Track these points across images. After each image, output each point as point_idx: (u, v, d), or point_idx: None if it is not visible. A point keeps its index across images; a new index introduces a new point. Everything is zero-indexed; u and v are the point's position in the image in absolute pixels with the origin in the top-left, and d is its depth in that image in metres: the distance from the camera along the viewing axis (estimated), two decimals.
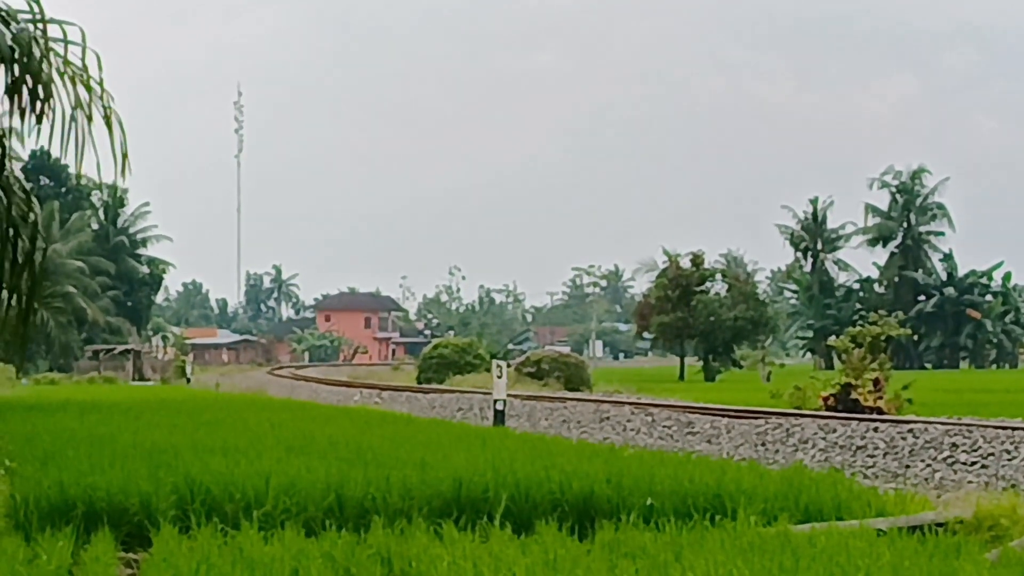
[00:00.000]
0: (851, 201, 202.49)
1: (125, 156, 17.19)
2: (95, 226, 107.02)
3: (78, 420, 24.32)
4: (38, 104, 16.91)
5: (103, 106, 17.18)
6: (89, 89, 17.18)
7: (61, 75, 17.19)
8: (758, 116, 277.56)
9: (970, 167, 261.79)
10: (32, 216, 17.91)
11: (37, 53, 16.88)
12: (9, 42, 17.17)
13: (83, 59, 17.44)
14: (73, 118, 16.87)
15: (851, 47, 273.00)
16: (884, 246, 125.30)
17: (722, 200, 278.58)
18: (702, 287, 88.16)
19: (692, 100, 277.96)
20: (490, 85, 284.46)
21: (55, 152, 17.79)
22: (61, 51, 17.43)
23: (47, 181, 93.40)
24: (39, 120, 17.05)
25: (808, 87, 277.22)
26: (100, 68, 17.40)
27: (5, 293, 18.23)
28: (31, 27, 17.21)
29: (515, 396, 36.35)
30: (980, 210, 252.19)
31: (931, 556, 9.55)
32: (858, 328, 37.33)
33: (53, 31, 17.35)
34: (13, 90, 17.19)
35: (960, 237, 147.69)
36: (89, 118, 17.02)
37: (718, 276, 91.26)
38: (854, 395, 31.31)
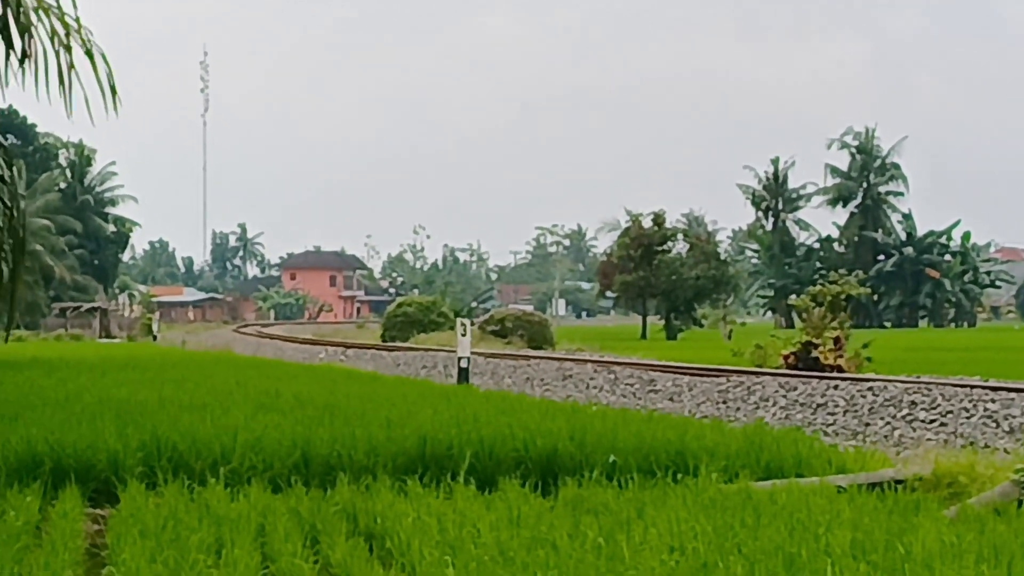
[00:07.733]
0: (812, 161, 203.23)
1: (114, 90, 16.61)
2: (62, 185, 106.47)
3: (46, 377, 24.29)
4: (18, 43, 16.52)
5: (82, 40, 16.66)
6: (66, 26, 16.71)
7: (36, 11, 16.80)
8: (714, 79, 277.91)
9: (923, 128, 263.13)
10: (10, 174, 17.69)
11: None
12: None
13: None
14: (57, 55, 16.39)
15: (800, 9, 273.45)
16: (844, 206, 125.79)
17: (683, 160, 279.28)
18: (664, 246, 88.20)
19: (649, 62, 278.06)
20: (448, 47, 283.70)
21: (38, 93, 16.86)
22: None
23: (14, 140, 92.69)
24: (22, 61, 16.65)
25: (759, 49, 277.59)
26: (75, 6, 16.95)
27: None
28: None
29: (479, 354, 36.43)
30: (935, 170, 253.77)
31: (890, 512, 9.66)
32: (818, 287, 37.53)
33: None
34: None
35: (917, 197, 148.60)
36: (68, 49, 16.48)
37: (680, 235, 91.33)
38: (814, 353, 31.48)
